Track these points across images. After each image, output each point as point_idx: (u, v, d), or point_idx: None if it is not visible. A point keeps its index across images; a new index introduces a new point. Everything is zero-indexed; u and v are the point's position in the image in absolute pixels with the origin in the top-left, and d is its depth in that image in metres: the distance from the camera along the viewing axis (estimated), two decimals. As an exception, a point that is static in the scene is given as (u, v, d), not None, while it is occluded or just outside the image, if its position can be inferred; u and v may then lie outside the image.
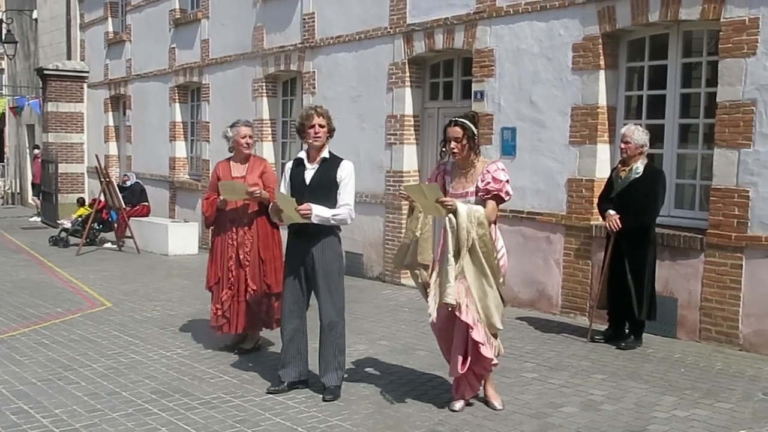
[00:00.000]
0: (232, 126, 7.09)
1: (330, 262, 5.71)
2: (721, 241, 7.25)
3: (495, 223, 5.44)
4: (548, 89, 8.85)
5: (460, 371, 5.40)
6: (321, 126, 5.69)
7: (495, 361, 5.39)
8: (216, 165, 7.23)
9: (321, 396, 5.73)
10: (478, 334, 5.27)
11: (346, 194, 5.70)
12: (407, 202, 5.55)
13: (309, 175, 5.74)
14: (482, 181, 5.28)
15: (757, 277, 7.04)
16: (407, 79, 10.75)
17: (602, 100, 8.40)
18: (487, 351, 5.30)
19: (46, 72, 20.41)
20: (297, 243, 5.78)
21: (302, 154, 5.84)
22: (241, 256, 6.91)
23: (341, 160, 5.79)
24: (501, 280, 5.35)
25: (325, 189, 5.68)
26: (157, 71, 17.06)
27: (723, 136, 7.26)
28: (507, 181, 5.31)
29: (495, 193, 5.26)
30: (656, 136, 7.88)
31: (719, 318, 7.31)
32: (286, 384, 5.88)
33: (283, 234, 7.12)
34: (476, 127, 5.37)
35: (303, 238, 5.72)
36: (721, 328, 7.30)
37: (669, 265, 7.67)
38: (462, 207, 5.19)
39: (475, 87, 9.73)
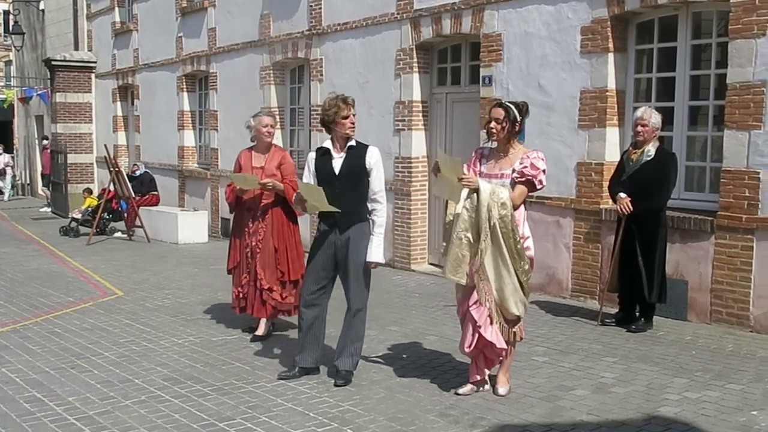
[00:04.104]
0: (254, 116, 7.23)
1: (362, 250, 5.72)
2: (732, 223, 7.23)
3: (525, 209, 5.46)
4: (557, 73, 8.81)
5: (464, 351, 5.44)
6: (354, 116, 5.75)
7: (502, 346, 5.35)
8: (239, 153, 7.33)
9: (333, 382, 5.75)
10: (481, 316, 5.28)
11: (378, 181, 5.76)
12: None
13: (337, 164, 5.73)
14: (521, 164, 5.30)
15: (768, 258, 7.03)
16: (415, 64, 10.72)
17: (611, 84, 8.37)
18: (491, 335, 5.29)
19: (53, 63, 20.44)
20: (328, 231, 5.78)
21: (327, 144, 5.83)
22: (254, 244, 7.03)
23: (367, 146, 5.81)
24: (526, 267, 5.32)
25: (354, 176, 5.71)
26: (165, 60, 17.06)
27: (733, 117, 7.23)
28: (544, 171, 5.32)
29: (529, 178, 5.27)
30: (666, 118, 7.84)
31: (730, 300, 7.30)
32: (297, 370, 5.91)
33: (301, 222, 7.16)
34: (522, 116, 5.38)
35: (335, 227, 5.73)
36: (732, 310, 7.28)
37: (679, 247, 7.65)
38: (485, 185, 5.19)
39: (483, 72, 9.70)
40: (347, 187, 5.67)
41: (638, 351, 6.60)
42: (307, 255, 6.12)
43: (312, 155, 5.94)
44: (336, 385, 5.69)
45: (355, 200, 5.72)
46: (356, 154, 5.74)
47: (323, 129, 5.86)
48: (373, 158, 5.75)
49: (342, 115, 5.67)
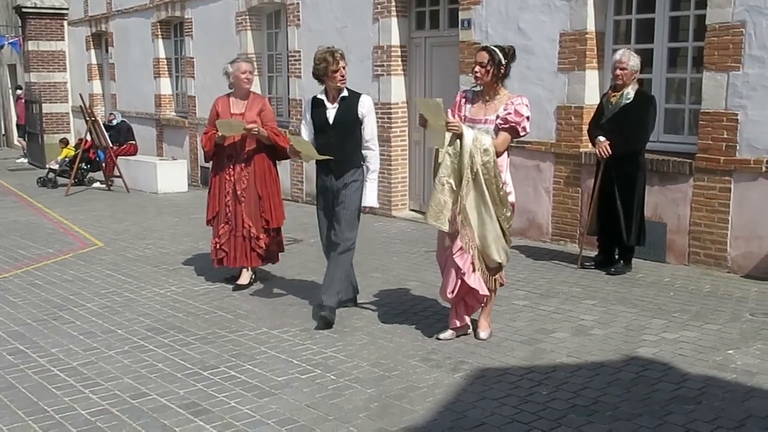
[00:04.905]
0: (232, 62, 7.15)
1: (354, 195, 5.92)
2: (710, 165, 7.27)
3: (509, 156, 5.44)
4: (536, 15, 8.72)
5: (446, 297, 5.47)
6: (344, 68, 5.89)
7: (484, 293, 5.40)
8: (216, 100, 7.22)
9: (314, 325, 5.83)
10: (464, 263, 5.30)
11: (370, 129, 5.98)
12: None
13: (331, 114, 5.94)
14: (504, 110, 5.27)
15: (745, 200, 7.08)
16: (393, 8, 10.57)
17: (591, 26, 8.30)
18: (474, 282, 5.32)
19: (24, 10, 19.96)
20: (325, 179, 6.03)
21: (321, 95, 6.01)
22: (238, 192, 6.98)
23: (360, 95, 6.00)
24: (509, 214, 5.33)
25: (347, 125, 5.91)
26: (138, 6, 16.71)
27: (712, 59, 7.21)
28: (528, 118, 5.30)
29: (512, 125, 5.25)
30: (645, 60, 7.80)
31: (708, 241, 7.37)
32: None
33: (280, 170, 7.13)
34: (508, 59, 5.33)
35: (330, 174, 5.97)
36: (710, 252, 7.37)
37: (658, 190, 7.70)
38: (468, 131, 5.17)
39: (462, 15, 9.58)
40: (341, 136, 5.89)
41: (617, 293, 6.68)
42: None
43: (308, 106, 6.11)
44: (317, 328, 5.78)
45: (349, 148, 5.93)
46: (349, 104, 5.93)
47: (316, 80, 5.99)
48: (365, 107, 5.95)
49: (331, 69, 5.82)
